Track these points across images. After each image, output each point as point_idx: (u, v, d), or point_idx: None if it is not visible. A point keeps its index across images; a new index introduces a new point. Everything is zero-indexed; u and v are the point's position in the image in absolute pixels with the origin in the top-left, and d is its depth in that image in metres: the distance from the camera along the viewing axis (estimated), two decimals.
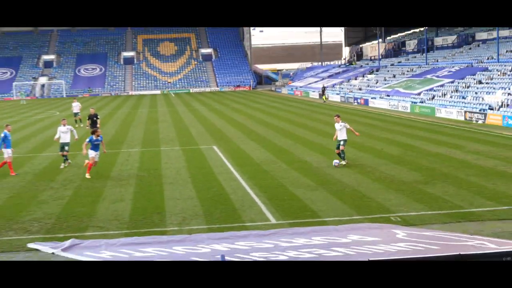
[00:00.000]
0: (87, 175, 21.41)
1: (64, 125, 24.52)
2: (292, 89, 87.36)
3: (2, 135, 22.51)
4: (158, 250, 12.67)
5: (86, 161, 21.99)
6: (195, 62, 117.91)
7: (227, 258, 11.35)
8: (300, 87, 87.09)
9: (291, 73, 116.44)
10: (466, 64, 58.41)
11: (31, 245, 13.33)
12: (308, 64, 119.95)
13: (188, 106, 62.92)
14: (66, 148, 24.15)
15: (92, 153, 21.67)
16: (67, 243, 13.17)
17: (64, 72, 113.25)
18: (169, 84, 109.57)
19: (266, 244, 12.86)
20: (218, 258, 11.85)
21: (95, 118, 31.29)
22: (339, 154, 22.29)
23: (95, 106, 56.59)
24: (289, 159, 24.32)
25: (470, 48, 67.28)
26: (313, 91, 75.89)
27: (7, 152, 22.38)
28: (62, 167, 23.90)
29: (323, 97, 65.65)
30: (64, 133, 24.07)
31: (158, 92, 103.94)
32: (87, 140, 21.73)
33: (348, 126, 22.56)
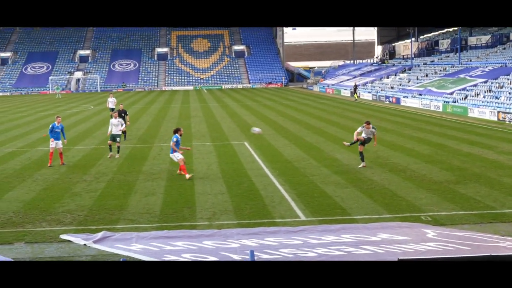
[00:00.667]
0: (187, 176, 20.20)
1: (116, 117, 25.61)
2: (324, 86, 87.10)
3: (50, 126, 23.53)
4: (188, 244, 12.80)
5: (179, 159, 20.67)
6: (228, 59, 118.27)
7: (256, 254, 11.43)
8: (332, 85, 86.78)
9: (323, 71, 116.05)
10: (500, 64, 57.59)
11: (63, 237, 13.57)
12: (340, 62, 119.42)
13: (220, 102, 63.18)
14: (118, 139, 25.21)
15: (178, 154, 20.64)
16: (99, 235, 13.38)
17: (99, 67, 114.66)
18: (202, 80, 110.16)
19: (296, 240, 12.91)
20: (247, 253, 11.95)
21: (123, 114, 31.66)
22: (361, 153, 21.93)
23: (129, 101, 57.17)
24: (319, 157, 24.31)
25: (504, 48, 66.29)
26: (345, 89, 75.59)
27: (53, 143, 23.16)
28: (117, 156, 25.10)
29: (355, 95, 65.34)
30: (115, 126, 25.13)
31: (191, 88, 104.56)
32: (174, 140, 20.55)
33: (375, 133, 22.05)
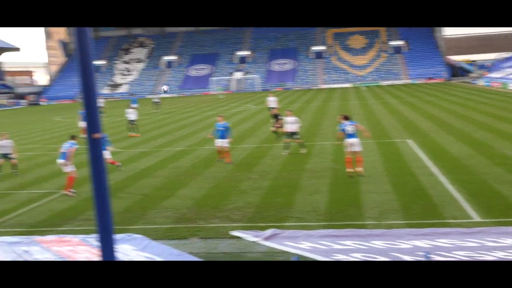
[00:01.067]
0: (356, 170, 19.91)
1: (290, 115, 26.35)
2: (489, 80, 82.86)
3: (214, 125, 25.21)
4: (357, 244, 12.66)
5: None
6: (385, 55, 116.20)
7: (430, 256, 11.03)
8: (498, 78, 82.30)
9: (487, 64, 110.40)
10: None
11: (234, 233, 13.97)
12: (506, 54, 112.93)
13: (379, 99, 62.17)
14: (295, 136, 26.10)
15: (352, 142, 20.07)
16: (268, 232, 13.62)
17: (258, 67, 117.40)
18: (359, 77, 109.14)
19: (470, 243, 12.33)
20: (419, 255, 11.58)
21: (278, 118, 32.27)
22: None
23: (287, 100, 57.75)
24: (489, 154, 23.06)
25: None
26: None
27: (218, 142, 24.49)
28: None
29: None
30: (291, 124, 25.97)
31: (348, 85, 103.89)
32: (356, 123, 20.58)
33: None
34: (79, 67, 7.38)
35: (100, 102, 60.93)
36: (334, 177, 20.08)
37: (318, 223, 14.44)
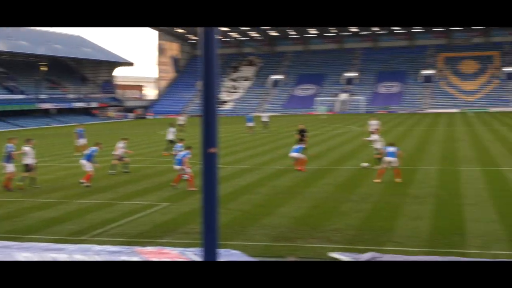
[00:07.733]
0: None
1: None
2: None
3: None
4: None
5: None
6: (497, 81, 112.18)
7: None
8: None
9: None
10: None
11: (332, 254, 13.88)
12: None
13: (487, 126, 60.04)
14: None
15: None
16: (367, 255, 13.45)
17: (364, 89, 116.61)
18: (467, 102, 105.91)
19: None
20: None
21: (303, 133, 36.35)
22: None
23: (392, 122, 56.80)
24: None
25: None
26: None
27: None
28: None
29: None
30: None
31: (455, 110, 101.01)
32: None
33: None
34: (203, 80, 7.58)
35: (181, 119, 62.42)
36: (438, 204, 19.57)
37: (419, 249, 14.10)
